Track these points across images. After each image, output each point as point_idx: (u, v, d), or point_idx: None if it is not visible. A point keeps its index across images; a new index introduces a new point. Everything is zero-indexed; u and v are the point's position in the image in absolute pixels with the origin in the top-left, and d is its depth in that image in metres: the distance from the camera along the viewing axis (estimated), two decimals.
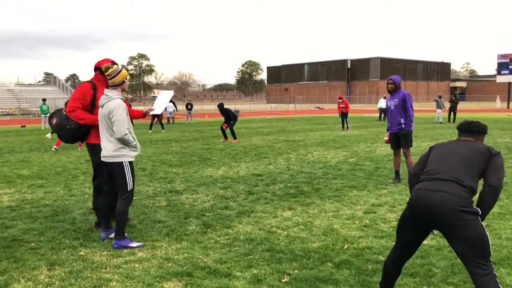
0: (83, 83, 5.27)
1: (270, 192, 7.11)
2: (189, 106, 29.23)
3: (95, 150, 5.10)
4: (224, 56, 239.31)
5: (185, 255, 4.36)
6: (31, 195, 7.10)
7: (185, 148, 13.54)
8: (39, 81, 73.39)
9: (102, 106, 4.60)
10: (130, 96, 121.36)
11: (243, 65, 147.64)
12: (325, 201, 6.50)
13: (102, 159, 4.65)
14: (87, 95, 5.10)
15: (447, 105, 25.63)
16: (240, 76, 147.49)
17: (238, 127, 23.28)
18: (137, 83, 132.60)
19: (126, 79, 4.74)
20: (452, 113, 24.16)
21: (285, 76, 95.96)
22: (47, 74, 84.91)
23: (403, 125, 7.66)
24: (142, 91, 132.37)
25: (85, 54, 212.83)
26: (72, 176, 8.86)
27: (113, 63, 5.42)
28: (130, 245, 4.57)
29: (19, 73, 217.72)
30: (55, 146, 13.35)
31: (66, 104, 5.33)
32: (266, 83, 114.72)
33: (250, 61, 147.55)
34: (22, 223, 5.48)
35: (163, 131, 20.70)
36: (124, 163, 4.58)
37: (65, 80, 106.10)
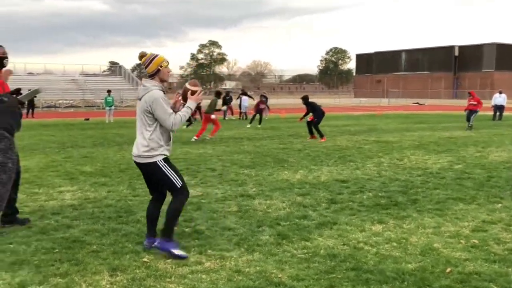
0: None
1: (356, 202, 7.01)
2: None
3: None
4: (306, 43, 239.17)
5: (257, 268, 4.44)
6: (93, 194, 7.60)
7: (258, 148, 13.74)
8: (104, 71, 78.07)
9: (140, 99, 4.67)
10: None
11: (327, 53, 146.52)
12: (423, 214, 6.29)
13: (134, 158, 4.75)
14: None
15: None
16: (323, 65, 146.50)
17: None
18: (207, 73, 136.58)
19: (161, 66, 4.68)
20: None
21: (378, 65, 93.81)
22: (112, 63, 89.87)
23: None
24: (212, 83, 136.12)
25: (151, 41, 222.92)
26: (137, 174, 9.33)
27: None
28: (173, 251, 4.67)
29: (84, 62, 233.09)
30: (195, 137, 15.63)
31: None
32: (354, 74, 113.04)
33: (336, 48, 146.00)
34: (84, 224, 5.89)
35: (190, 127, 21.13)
36: (158, 162, 4.66)
37: (131, 69, 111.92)
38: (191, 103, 4.81)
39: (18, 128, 4.90)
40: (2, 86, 5.42)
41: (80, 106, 45.71)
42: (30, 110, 30.80)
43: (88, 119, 27.83)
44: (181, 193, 4.76)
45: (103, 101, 28.76)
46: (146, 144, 4.63)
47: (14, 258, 4.62)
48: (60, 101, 45.14)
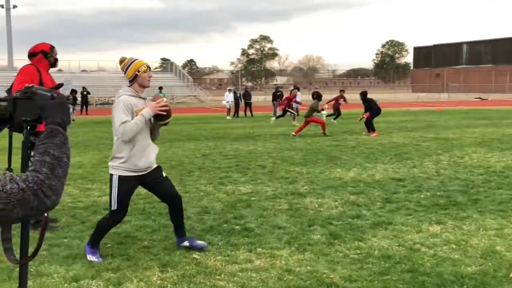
0: (26, 66, 5.70)
1: (413, 201, 6.86)
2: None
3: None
4: (360, 36, 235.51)
5: (308, 268, 4.43)
6: (145, 190, 7.77)
7: (310, 144, 13.67)
8: (156, 68, 79.66)
9: None
10: (250, 84, 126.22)
11: (383, 46, 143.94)
12: (485, 215, 6.07)
13: None
14: (34, 77, 5.53)
15: None
16: (379, 59, 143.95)
17: (375, 121, 22.77)
18: (258, 69, 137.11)
19: (139, 71, 4.46)
20: None
21: (437, 58, 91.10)
22: (163, 60, 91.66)
23: None
24: (263, 78, 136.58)
25: (202, 37, 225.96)
26: (188, 171, 9.51)
27: (50, 47, 5.70)
28: (89, 255, 4.61)
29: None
30: (293, 133, 16.22)
31: (9, 89, 5.61)
32: (411, 68, 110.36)
33: (393, 40, 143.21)
34: (135, 219, 6.05)
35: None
36: (113, 177, 4.49)
37: (182, 66, 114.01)
38: (146, 111, 4.39)
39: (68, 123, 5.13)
40: (52, 82, 5.68)
41: None
42: (84, 107, 31.95)
43: None
44: (110, 217, 4.62)
45: None
46: (113, 154, 4.54)
47: (68, 252, 4.82)
48: (113, 98, 46.42)
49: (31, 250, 1.63)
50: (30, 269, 4.35)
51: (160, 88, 27.74)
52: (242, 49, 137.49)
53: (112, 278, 4.21)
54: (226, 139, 15.53)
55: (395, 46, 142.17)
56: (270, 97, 30.15)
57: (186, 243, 4.89)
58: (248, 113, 28.29)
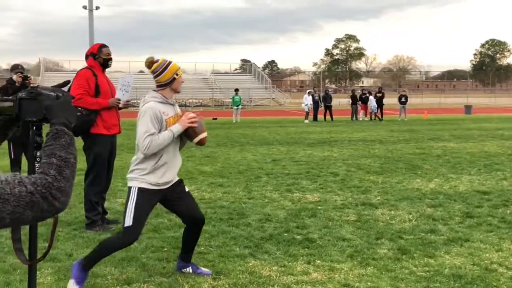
0: (81, 70, 5.91)
1: (497, 217, 6.54)
2: (402, 99, 28.68)
3: (98, 140, 5.83)
4: (456, 34, 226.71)
5: (369, 283, 4.36)
6: (209, 194, 8.01)
7: (391, 152, 13.37)
8: (236, 69, 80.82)
9: None
10: (333, 86, 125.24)
11: (482, 46, 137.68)
12: None
13: None
14: (90, 81, 5.74)
15: None
16: (478, 59, 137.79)
17: (466, 128, 21.90)
18: (343, 70, 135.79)
19: (177, 75, 4.27)
20: None
21: None
22: (243, 61, 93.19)
23: None
24: (348, 80, 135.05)
25: (285, 37, 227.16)
26: (255, 176, 9.65)
27: (98, 48, 5.86)
28: (73, 279, 4.15)
29: (216, 60, 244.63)
30: None
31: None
32: None
33: (493, 40, 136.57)
34: None
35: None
36: (132, 189, 4.20)
37: (262, 68, 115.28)
38: (176, 127, 4.18)
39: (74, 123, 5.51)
40: (109, 84, 6.01)
41: (209, 105, 48.27)
42: None
43: (215, 119, 29.20)
44: (123, 235, 4.20)
45: (231, 100, 30.00)
46: (133, 164, 4.29)
47: (124, 254, 5.05)
48: (190, 100, 48.04)
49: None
50: None
51: (236, 90, 28.19)
52: (326, 49, 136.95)
53: (163, 283, 4.38)
54: (300, 144, 15.55)
55: (496, 46, 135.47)
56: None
57: (189, 270, 4.59)
58: (328, 117, 28.14)
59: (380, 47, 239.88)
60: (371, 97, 28.62)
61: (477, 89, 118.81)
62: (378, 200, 7.60)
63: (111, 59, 6.05)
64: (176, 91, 4.35)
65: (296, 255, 5.11)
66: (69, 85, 1.97)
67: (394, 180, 9.22)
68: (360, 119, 28.65)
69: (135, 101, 43.78)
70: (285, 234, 5.83)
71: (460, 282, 4.39)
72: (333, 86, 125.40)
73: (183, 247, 4.63)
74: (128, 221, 4.12)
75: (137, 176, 4.19)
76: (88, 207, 6.00)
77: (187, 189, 4.58)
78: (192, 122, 4.22)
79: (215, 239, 5.63)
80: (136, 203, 4.14)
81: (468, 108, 35.75)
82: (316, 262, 4.90)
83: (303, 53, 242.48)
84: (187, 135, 4.29)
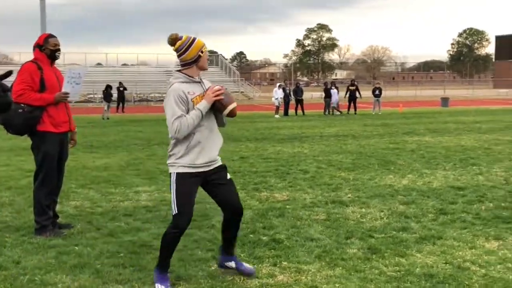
0: (25, 63, 5.80)
1: (471, 213, 6.68)
2: (376, 92, 29.03)
3: (46, 139, 5.74)
4: (433, 24, 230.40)
5: (337, 285, 4.40)
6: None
7: (363, 147, 13.53)
8: None
9: None
10: (305, 78, 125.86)
11: (460, 35, 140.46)
12: None
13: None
14: (34, 75, 5.65)
15: None
16: (455, 50, 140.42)
17: (443, 121, 22.32)
18: (315, 62, 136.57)
19: (202, 52, 4.29)
20: None
21: None
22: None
23: None
24: (320, 72, 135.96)
25: (253, 27, 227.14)
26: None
27: (44, 38, 5.76)
28: (156, 283, 4.37)
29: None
30: None
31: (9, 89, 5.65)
32: (493, 60, 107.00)
33: (471, 29, 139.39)
34: (155, 227, 6.20)
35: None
36: (171, 175, 4.32)
37: (230, 60, 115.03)
38: (202, 104, 4.23)
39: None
40: (58, 78, 5.90)
41: None
42: (121, 105, 32.84)
43: None
44: (173, 225, 4.34)
45: None
46: (168, 150, 4.41)
47: (77, 261, 4.99)
48: (152, 94, 47.64)
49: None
50: (34, 278, 4.57)
51: None
52: (297, 39, 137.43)
53: None
54: (270, 140, 15.60)
55: (474, 35, 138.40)
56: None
57: (232, 264, 4.67)
58: (300, 111, 28.29)
59: (354, 37, 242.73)
60: (333, 91, 28.82)
61: (454, 80, 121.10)
62: (349, 197, 7.68)
63: (59, 50, 5.91)
64: (203, 69, 4.36)
65: (262, 257, 5.13)
66: (10, 76, 1.93)
67: (366, 176, 9.33)
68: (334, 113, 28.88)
69: (92, 95, 43.46)
70: (251, 236, 5.84)
71: (432, 281, 4.46)
72: (305, 78, 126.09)
73: (224, 239, 4.68)
74: (174, 209, 4.29)
75: (173, 161, 4.29)
76: (37, 211, 5.89)
77: (229, 177, 4.56)
78: (217, 95, 4.26)
79: None
80: (176, 189, 4.28)
81: (445, 101, 36.44)
82: (282, 263, 4.93)
83: (273, 44, 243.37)
84: (216, 109, 4.33)
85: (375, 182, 8.79)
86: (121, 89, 33.23)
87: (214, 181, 4.42)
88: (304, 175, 9.55)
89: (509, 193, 7.79)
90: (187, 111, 4.18)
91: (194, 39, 4.28)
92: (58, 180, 6.06)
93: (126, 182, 8.95)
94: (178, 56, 4.28)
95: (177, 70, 4.36)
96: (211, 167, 4.38)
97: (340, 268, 4.81)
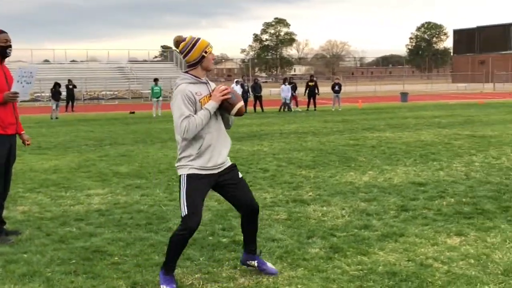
0: None
1: (433, 209, 6.82)
2: (336, 88, 29.35)
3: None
4: (391, 18, 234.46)
5: (299, 286, 4.43)
6: (125, 198, 7.86)
7: (324, 144, 13.66)
8: (155, 57, 79.26)
9: None
10: (264, 74, 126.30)
11: (418, 29, 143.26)
12: None
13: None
14: None
15: None
16: (414, 44, 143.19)
17: (402, 116, 22.73)
18: (273, 57, 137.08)
19: (206, 52, 4.39)
20: None
21: (481, 43, 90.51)
22: (164, 47, 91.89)
23: None
24: (279, 68, 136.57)
25: (209, 21, 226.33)
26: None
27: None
28: (162, 285, 4.43)
29: (132, 47, 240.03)
30: None
31: None
32: (451, 54, 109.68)
33: (429, 22, 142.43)
34: (108, 232, 6.10)
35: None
36: (182, 177, 4.42)
37: None
38: (210, 104, 4.34)
39: None
40: (7, 77, 5.73)
41: (125, 98, 47.33)
42: (70, 103, 32.24)
43: (133, 112, 28.78)
44: (182, 225, 4.35)
45: (150, 91, 29.57)
46: (178, 152, 4.49)
47: (26, 269, 4.87)
48: (104, 92, 46.94)
49: None
50: None
51: (156, 80, 27.77)
52: (254, 34, 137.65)
53: None
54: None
55: (432, 29, 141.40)
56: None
57: (254, 263, 4.75)
58: (258, 108, 28.35)
59: (312, 32, 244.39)
60: (283, 86, 29.00)
61: (413, 75, 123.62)
62: (310, 196, 7.74)
63: (10, 46, 5.73)
64: (207, 69, 4.47)
65: (222, 260, 5.12)
66: None
67: (327, 174, 9.42)
68: (293, 109, 29.03)
69: (39, 94, 42.51)
70: (210, 238, 5.82)
71: (395, 279, 4.53)
72: (264, 74, 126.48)
73: (245, 238, 4.80)
74: (184, 211, 4.33)
75: (185, 164, 4.38)
76: None
77: (240, 175, 4.65)
78: (224, 95, 4.37)
79: (131, 247, 5.53)
80: (187, 190, 4.33)
81: (404, 96, 37.16)
82: (243, 266, 4.92)
83: (230, 39, 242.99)
84: (223, 108, 4.43)
85: (336, 180, 8.88)
86: (70, 87, 32.64)
87: (227, 182, 4.54)
88: (264, 173, 9.57)
89: (470, 188, 7.99)
90: (195, 112, 4.29)
91: (197, 40, 4.40)
92: (5, 184, 5.90)
93: (77, 185, 8.79)
94: (183, 57, 4.42)
95: (184, 71, 4.49)
96: (222, 169, 4.50)
97: (302, 268, 4.84)
